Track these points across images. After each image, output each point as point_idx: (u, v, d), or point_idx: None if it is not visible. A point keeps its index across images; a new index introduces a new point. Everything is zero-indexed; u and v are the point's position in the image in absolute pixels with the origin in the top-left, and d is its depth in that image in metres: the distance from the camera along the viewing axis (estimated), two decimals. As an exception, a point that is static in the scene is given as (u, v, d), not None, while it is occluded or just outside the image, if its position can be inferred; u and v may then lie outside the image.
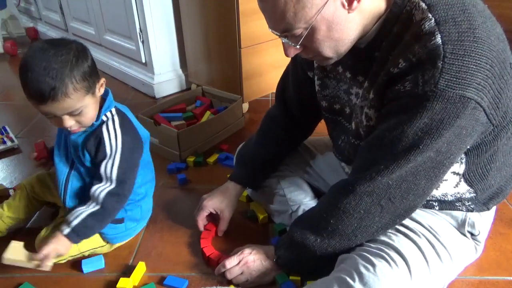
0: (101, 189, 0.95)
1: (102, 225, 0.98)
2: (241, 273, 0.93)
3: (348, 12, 0.71)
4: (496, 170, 0.85)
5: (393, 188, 0.76)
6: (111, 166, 0.95)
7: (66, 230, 0.92)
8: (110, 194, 0.95)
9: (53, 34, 3.06)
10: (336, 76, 0.92)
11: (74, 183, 1.01)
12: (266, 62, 1.81)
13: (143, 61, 2.09)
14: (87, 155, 0.97)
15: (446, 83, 0.66)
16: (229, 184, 1.14)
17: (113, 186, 0.96)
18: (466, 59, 0.65)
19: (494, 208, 0.92)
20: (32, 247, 1.06)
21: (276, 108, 1.16)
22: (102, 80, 0.94)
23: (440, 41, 0.66)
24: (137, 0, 1.91)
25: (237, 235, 1.12)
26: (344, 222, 0.81)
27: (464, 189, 0.86)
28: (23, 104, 2.10)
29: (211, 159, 1.48)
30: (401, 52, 0.71)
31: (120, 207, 1.00)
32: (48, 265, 0.90)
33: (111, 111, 0.98)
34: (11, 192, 1.32)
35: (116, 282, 0.97)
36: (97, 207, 0.94)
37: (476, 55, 0.65)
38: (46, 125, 1.83)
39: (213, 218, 1.12)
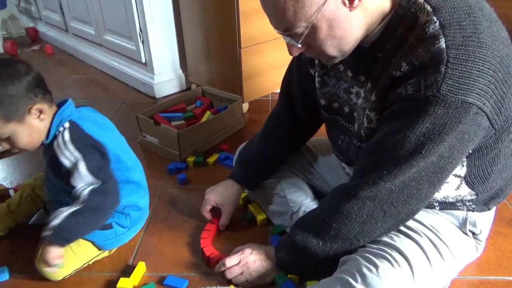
0: (83, 188, 0.90)
1: (89, 224, 0.92)
2: (241, 273, 0.93)
3: (350, 10, 0.70)
4: (498, 173, 0.84)
5: (396, 194, 0.75)
6: (83, 174, 0.89)
7: (46, 233, 0.87)
8: (93, 191, 0.89)
9: (53, 34, 3.06)
10: (337, 75, 0.92)
11: (56, 197, 1.01)
12: (266, 62, 1.81)
13: (143, 61, 2.09)
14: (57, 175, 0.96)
15: (448, 88, 0.65)
16: (229, 182, 1.14)
17: (95, 184, 0.90)
18: (469, 64, 0.65)
19: (494, 208, 0.92)
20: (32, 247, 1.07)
21: (280, 106, 1.15)
22: (37, 106, 0.88)
23: (444, 45, 0.65)
24: (137, 0, 1.90)
25: (237, 236, 1.12)
26: (346, 226, 0.80)
27: (465, 192, 0.86)
28: (23, 104, 2.10)
29: (211, 159, 1.48)
30: (404, 55, 0.70)
31: (110, 203, 0.94)
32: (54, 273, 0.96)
33: (63, 126, 0.93)
34: (11, 192, 1.32)
35: (116, 282, 0.96)
36: (80, 205, 0.88)
37: (479, 61, 0.65)
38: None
39: (217, 212, 1.13)
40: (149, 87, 2.09)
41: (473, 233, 0.90)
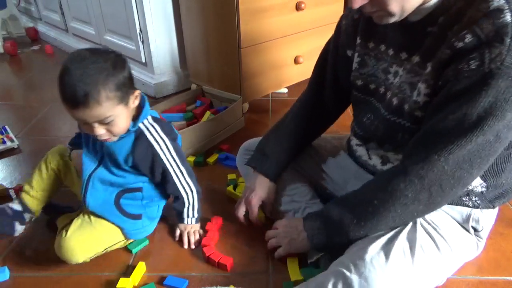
0: (191, 183, 1.07)
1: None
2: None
3: None
4: (509, 171, 0.85)
5: (447, 175, 0.74)
6: (183, 179, 1.05)
7: (194, 220, 1.11)
8: (194, 181, 1.08)
9: (53, 34, 3.06)
10: (377, 55, 0.93)
11: (95, 183, 1.02)
12: (266, 62, 1.81)
13: (143, 61, 2.09)
14: (131, 161, 1.00)
15: None
16: (261, 177, 1.11)
17: (195, 193, 1.09)
18: None
19: (497, 207, 0.92)
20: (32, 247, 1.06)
21: (308, 92, 1.15)
22: (137, 92, 0.96)
23: (510, 19, 0.66)
24: (137, 0, 1.91)
25: (237, 236, 1.12)
26: (388, 204, 0.79)
27: (477, 182, 0.86)
28: (23, 104, 2.10)
29: (211, 159, 1.48)
30: (466, 26, 0.70)
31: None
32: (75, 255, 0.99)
33: (147, 119, 1.01)
34: (11, 192, 1.32)
35: (116, 282, 0.97)
36: (198, 196, 1.10)
37: None
38: (46, 125, 1.84)
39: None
40: (149, 87, 2.09)
41: (475, 230, 0.90)
